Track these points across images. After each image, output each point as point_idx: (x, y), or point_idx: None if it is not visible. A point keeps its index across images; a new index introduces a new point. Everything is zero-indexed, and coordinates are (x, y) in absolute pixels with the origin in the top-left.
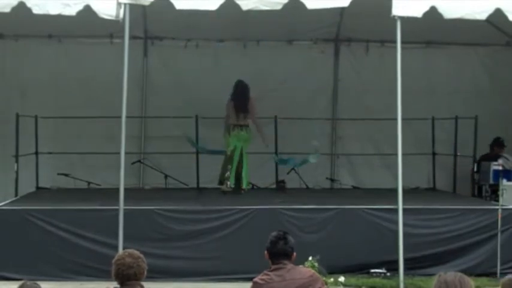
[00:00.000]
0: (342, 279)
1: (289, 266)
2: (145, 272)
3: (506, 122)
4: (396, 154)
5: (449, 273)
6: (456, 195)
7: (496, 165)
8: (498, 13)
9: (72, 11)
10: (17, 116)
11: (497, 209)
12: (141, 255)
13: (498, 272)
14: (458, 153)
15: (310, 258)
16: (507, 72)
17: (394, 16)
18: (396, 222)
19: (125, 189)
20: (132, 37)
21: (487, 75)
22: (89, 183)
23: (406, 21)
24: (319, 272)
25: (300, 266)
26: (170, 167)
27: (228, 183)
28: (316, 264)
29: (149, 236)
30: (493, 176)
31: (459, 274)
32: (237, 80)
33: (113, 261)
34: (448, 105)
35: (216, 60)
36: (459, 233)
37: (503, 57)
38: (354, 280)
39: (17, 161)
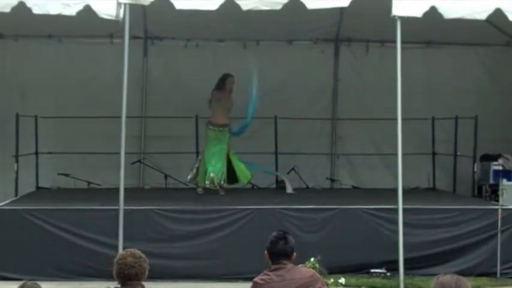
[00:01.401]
0: (342, 280)
1: (289, 266)
2: (147, 272)
3: (507, 122)
4: (396, 154)
5: (446, 276)
6: (456, 195)
7: (496, 165)
8: (498, 13)
9: (72, 11)
10: (17, 115)
11: (497, 209)
12: (143, 255)
13: (498, 272)
14: (458, 153)
15: (312, 259)
16: (507, 72)
17: (394, 16)
18: (396, 222)
19: (125, 189)
20: (132, 37)
21: (487, 75)
22: (89, 183)
23: (406, 21)
24: (320, 273)
25: (300, 265)
26: (170, 167)
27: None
28: (317, 265)
29: (149, 236)
30: (493, 176)
31: (456, 276)
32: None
33: (115, 260)
34: (448, 105)
35: (216, 60)
36: (459, 233)
37: (503, 57)
38: (354, 280)
39: (17, 161)
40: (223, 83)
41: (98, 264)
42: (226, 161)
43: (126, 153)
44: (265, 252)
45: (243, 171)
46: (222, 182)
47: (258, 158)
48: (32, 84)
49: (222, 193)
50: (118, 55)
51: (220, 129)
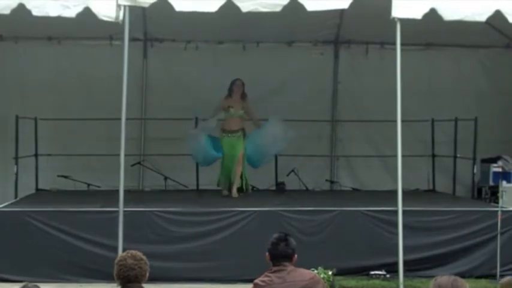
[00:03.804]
0: None
1: (290, 267)
2: (147, 274)
3: (506, 123)
4: (396, 156)
5: (443, 277)
6: (456, 197)
7: (496, 167)
8: (498, 15)
9: (71, 12)
10: (17, 117)
11: (497, 211)
12: (144, 257)
13: (498, 274)
14: (458, 155)
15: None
16: (507, 74)
17: (394, 18)
18: (396, 224)
19: (125, 191)
20: (132, 39)
21: (486, 77)
22: (88, 185)
23: (406, 23)
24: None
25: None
26: (170, 169)
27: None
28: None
29: (149, 238)
30: (493, 177)
31: (453, 277)
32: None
33: (115, 261)
34: (448, 107)
35: (216, 62)
36: (459, 234)
37: (503, 59)
38: (353, 282)
39: (16, 163)
40: (231, 89)
41: (98, 266)
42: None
43: (125, 155)
44: (266, 253)
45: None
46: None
47: None
48: (31, 86)
49: (228, 195)
50: (118, 57)
51: (234, 135)
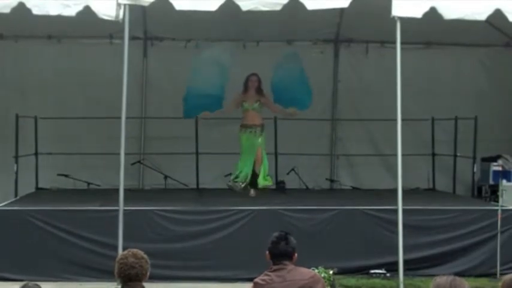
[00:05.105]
0: None
1: (290, 266)
2: (148, 273)
3: (506, 122)
4: (396, 155)
5: (443, 277)
6: (456, 196)
7: (496, 166)
8: (498, 14)
9: (71, 11)
10: (17, 116)
11: (497, 210)
12: (145, 256)
13: (498, 272)
14: (458, 154)
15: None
16: (507, 73)
17: (394, 17)
18: (396, 223)
19: (125, 190)
20: (132, 38)
21: (486, 76)
22: (88, 183)
23: (406, 21)
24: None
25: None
26: (170, 168)
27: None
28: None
29: (149, 237)
30: (493, 176)
31: (452, 277)
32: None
33: (116, 260)
34: (448, 105)
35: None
36: (459, 233)
37: (503, 58)
38: (353, 281)
39: (16, 162)
40: (246, 85)
41: (98, 264)
42: (257, 162)
43: (125, 153)
44: (267, 252)
45: (264, 178)
46: (242, 184)
47: None
48: (31, 85)
49: (253, 195)
50: (118, 56)
51: (252, 130)
